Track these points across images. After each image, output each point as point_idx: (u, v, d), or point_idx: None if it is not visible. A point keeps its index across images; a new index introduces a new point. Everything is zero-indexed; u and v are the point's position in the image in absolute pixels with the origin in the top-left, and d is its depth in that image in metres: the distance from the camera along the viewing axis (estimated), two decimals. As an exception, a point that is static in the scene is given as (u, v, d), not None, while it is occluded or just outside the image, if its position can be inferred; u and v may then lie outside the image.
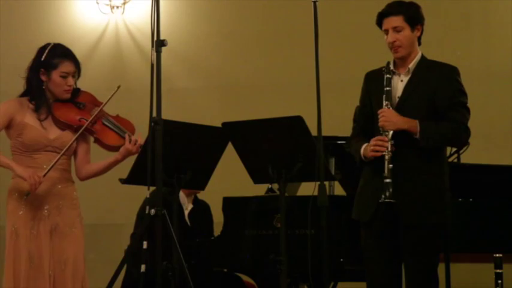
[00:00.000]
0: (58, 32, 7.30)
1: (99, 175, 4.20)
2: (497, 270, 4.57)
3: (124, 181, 4.12)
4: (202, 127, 4.08)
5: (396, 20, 3.91)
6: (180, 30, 7.17)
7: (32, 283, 3.91)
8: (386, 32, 3.95)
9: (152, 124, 3.55)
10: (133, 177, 4.00)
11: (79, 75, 4.12)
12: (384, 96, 3.88)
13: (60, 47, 4.12)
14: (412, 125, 3.84)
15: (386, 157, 3.79)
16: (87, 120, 4.04)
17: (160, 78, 3.55)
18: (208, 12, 7.31)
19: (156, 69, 3.56)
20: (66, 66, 4.04)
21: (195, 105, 7.05)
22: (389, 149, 3.80)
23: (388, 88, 3.89)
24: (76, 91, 4.13)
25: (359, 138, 4.02)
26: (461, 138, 3.97)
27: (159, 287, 3.54)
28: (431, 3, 6.36)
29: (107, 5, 7.29)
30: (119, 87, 4.00)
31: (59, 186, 4.04)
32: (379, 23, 3.98)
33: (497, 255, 4.57)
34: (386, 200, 3.75)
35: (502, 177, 4.87)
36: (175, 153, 3.90)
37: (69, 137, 4.04)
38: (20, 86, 4.13)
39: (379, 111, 3.87)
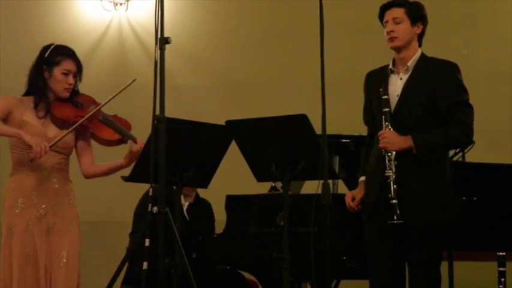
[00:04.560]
0: (61, 29, 7.31)
1: (104, 176, 4.23)
2: (501, 269, 4.57)
3: (127, 179, 4.13)
4: (206, 125, 4.08)
5: (397, 12, 3.95)
6: (184, 28, 7.17)
7: (28, 281, 3.94)
8: (386, 23, 3.97)
9: (155, 122, 3.55)
10: (136, 175, 4.01)
11: (80, 78, 4.16)
12: (383, 117, 3.89)
13: (64, 47, 4.17)
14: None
15: (392, 178, 3.80)
16: (82, 117, 4.06)
17: (163, 76, 3.54)
18: (212, 10, 7.31)
19: (160, 66, 3.56)
20: (68, 64, 4.09)
21: (199, 103, 7.05)
22: (393, 170, 3.81)
23: (386, 109, 3.89)
24: (76, 92, 4.17)
25: (363, 155, 4.10)
26: (460, 141, 3.98)
27: (161, 284, 3.54)
28: (437, 2, 6.36)
29: (110, 2, 7.29)
30: (133, 81, 4.02)
31: (57, 186, 4.07)
32: (381, 16, 4.00)
33: (501, 253, 4.57)
34: (395, 222, 3.76)
35: (506, 176, 4.86)
36: (178, 151, 3.90)
37: (68, 136, 4.07)
38: (23, 83, 4.14)
39: (380, 133, 3.89)
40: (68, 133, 4.05)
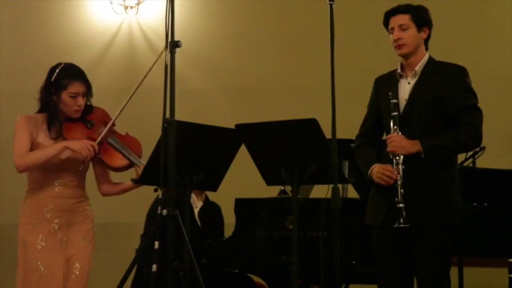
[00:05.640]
0: (71, 32, 7.33)
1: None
2: (511, 275, 4.55)
3: (136, 181, 4.14)
4: (216, 128, 4.08)
5: (403, 18, 3.93)
6: (195, 32, 7.18)
7: None
8: (392, 30, 3.95)
9: (165, 125, 3.56)
10: (146, 178, 4.01)
11: (91, 94, 4.15)
12: (392, 121, 3.88)
13: (71, 68, 4.14)
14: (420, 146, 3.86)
15: (399, 182, 3.80)
16: (92, 139, 4.08)
17: (174, 80, 3.55)
18: (222, 14, 7.31)
19: (170, 70, 3.56)
20: (75, 87, 4.07)
21: (209, 107, 7.06)
22: (400, 174, 3.80)
23: (395, 113, 3.88)
24: (88, 108, 4.16)
25: (364, 150, 4.06)
26: (468, 145, 3.95)
27: (170, 287, 3.54)
28: (448, 7, 6.36)
29: (121, 5, 7.31)
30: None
31: (71, 202, 4.13)
32: (386, 22, 3.98)
33: None
34: (401, 226, 3.76)
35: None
36: (188, 154, 3.91)
37: (80, 157, 4.09)
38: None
39: (388, 137, 3.88)
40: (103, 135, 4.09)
